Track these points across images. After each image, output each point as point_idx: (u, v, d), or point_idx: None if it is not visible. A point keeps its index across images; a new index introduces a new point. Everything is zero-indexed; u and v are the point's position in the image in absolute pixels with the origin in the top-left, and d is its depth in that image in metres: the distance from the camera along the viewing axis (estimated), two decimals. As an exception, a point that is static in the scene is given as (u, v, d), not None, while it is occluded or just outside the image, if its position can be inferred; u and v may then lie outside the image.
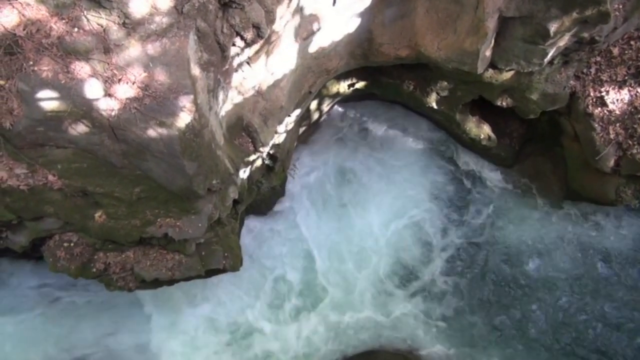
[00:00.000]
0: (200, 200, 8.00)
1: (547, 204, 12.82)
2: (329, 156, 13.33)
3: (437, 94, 11.93)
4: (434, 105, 12.20)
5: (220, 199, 8.65)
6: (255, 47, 7.95)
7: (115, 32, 6.15)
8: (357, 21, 9.88)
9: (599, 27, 9.55)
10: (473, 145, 13.03)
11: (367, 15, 9.83)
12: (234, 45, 7.46)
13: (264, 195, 12.02)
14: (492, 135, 12.83)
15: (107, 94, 6.41)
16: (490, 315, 12.06)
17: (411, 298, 12.18)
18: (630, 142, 10.61)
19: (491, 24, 9.11)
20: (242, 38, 7.35)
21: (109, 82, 6.35)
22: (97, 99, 6.43)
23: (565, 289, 12.17)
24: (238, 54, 7.79)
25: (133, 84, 6.40)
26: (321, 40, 9.61)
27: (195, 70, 6.77)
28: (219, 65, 7.43)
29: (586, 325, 11.90)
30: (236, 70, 8.24)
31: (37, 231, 8.38)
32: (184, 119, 6.68)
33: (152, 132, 6.70)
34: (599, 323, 11.87)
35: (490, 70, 10.43)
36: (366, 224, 12.60)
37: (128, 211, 7.97)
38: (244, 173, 9.84)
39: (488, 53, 9.90)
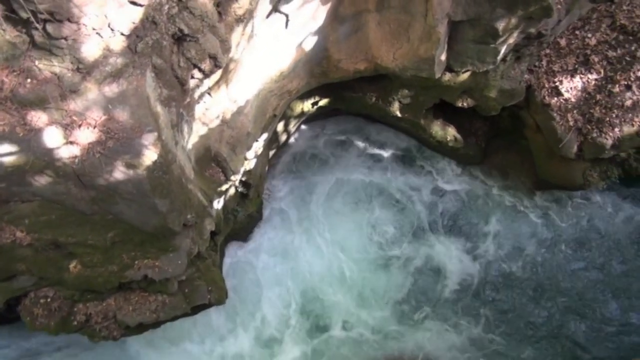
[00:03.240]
0: (177, 236, 7.87)
1: (518, 196, 13.06)
2: (302, 176, 13.34)
3: (400, 102, 12.12)
4: (398, 114, 12.39)
5: (197, 232, 8.53)
6: (215, 77, 7.95)
7: (70, 78, 6.06)
8: (312, 40, 10.00)
9: (544, 22, 9.91)
10: (441, 148, 13.25)
11: (322, 33, 9.98)
12: (192, 77, 7.45)
13: (242, 223, 11.91)
14: (458, 135, 13.08)
15: (68, 142, 6.29)
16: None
17: (400, 316, 12.16)
18: (589, 127, 10.96)
19: (442, 29, 9.36)
20: (200, 70, 7.35)
21: (69, 129, 6.23)
22: (58, 148, 6.30)
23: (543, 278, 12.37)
24: (198, 86, 7.78)
25: (94, 128, 6.30)
26: (279, 63, 9.69)
27: (157, 107, 6.72)
28: (180, 99, 7.40)
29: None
30: (198, 102, 8.21)
31: (11, 291, 8.08)
32: (150, 157, 6.59)
33: (119, 174, 6.59)
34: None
35: (448, 74, 10.68)
36: (343, 241, 12.55)
37: (104, 257, 7.78)
38: (218, 204, 9.75)
39: (443, 57, 10.15)
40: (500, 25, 9.35)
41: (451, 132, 13.02)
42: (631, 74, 10.62)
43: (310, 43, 9.98)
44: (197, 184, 8.48)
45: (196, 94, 7.96)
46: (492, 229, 12.74)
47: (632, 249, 12.34)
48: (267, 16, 8.28)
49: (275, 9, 8.27)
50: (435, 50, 9.58)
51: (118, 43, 6.20)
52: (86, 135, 6.30)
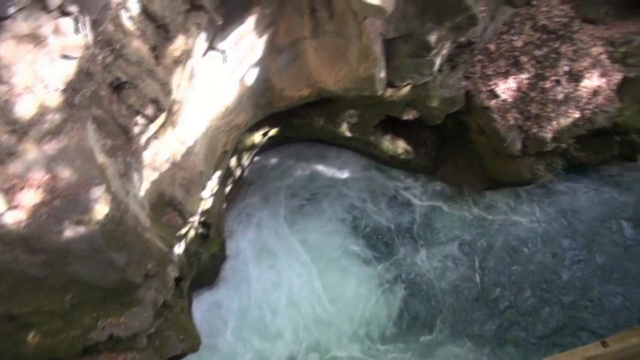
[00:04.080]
0: (140, 289, 7.57)
1: (471, 197, 13.39)
2: (261, 208, 13.22)
3: (348, 122, 12.33)
4: (348, 134, 12.58)
5: (161, 281, 8.24)
6: (159, 120, 7.83)
7: (6, 140, 5.81)
8: (254, 73, 10.08)
9: (472, 30, 10.43)
10: (393, 161, 13.50)
11: (262, 65, 10.07)
12: (136, 124, 7.31)
13: (206, 264, 11.61)
14: (408, 147, 13.38)
15: (12, 206, 5.98)
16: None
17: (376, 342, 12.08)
18: (529, 124, 11.47)
19: (377, 48, 9.65)
20: (143, 115, 7.23)
21: (10, 194, 5.94)
22: (1, 215, 5.98)
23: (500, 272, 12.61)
24: (143, 132, 7.63)
25: (38, 188, 6.03)
26: (223, 99, 9.68)
27: (102, 159, 6.53)
28: (126, 148, 7.22)
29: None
30: (145, 148, 8.04)
31: (-37, 375, 7.48)
32: (101, 211, 6.36)
33: (70, 233, 6.31)
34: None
35: (390, 89, 10.98)
36: (307, 272, 12.43)
37: (64, 322, 7.35)
38: (179, 248, 9.49)
39: (383, 74, 10.44)
40: (432, 38, 9.74)
41: (401, 145, 13.30)
42: (559, 69, 11.24)
43: (251, 76, 10.04)
44: (155, 231, 8.24)
45: (142, 140, 7.80)
46: (449, 234, 12.94)
47: (588, 230, 12.76)
48: (204, 54, 8.28)
49: (211, 47, 8.30)
50: (374, 68, 9.85)
51: (54, 99, 6.01)
52: (30, 198, 6.02)
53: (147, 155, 8.12)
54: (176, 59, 7.65)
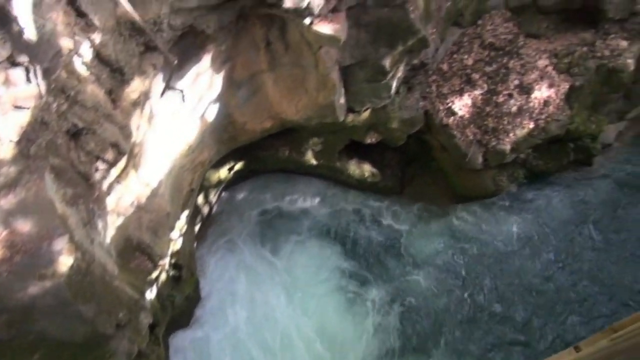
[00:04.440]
0: (112, 340, 7.26)
1: (441, 213, 13.58)
2: (233, 243, 13.02)
3: (312, 150, 12.42)
4: (313, 162, 12.65)
5: (134, 330, 7.93)
6: (120, 164, 7.68)
7: (-41, 199, 5.58)
8: (214, 109, 10.07)
9: (424, 52, 10.79)
10: (361, 185, 13.62)
11: (222, 100, 10.09)
12: (97, 170, 7.15)
13: (181, 307, 11.29)
14: (374, 170, 13.54)
15: (-32, 267, 5.70)
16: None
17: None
18: (487, 137, 11.82)
19: (334, 75, 9.84)
20: (103, 161, 7.08)
21: (-34, 254, 5.67)
22: (-43, 277, 5.68)
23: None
24: (105, 177, 7.46)
25: (-4, 245, 5.77)
26: (186, 137, 9.61)
27: (63, 209, 6.33)
28: (87, 195, 7.03)
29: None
30: (108, 193, 7.85)
31: None
32: (65, 263, 6.13)
33: (34, 289, 6.03)
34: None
35: (350, 115, 11.16)
36: (283, 305, 12.21)
37: (32, 385, 6.96)
38: (151, 293, 9.20)
39: (342, 101, 10.61)
40: (386, 62, 10.01)
41: (367, 169, 13.45)
42: (509, 83, 11.70)
43: (212, 112, 10.03)
44: (124, 278, 7.98)
45: (104, 186, 7.62)
46: (426, 252, 13.02)
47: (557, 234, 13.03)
48: (162, 94, 8.24)
49: (169, 87, 8.27)
50: (333, 96, 10.01)
51: (8, 151, 5.83)
52: (-12, 256, 5.75)
53: (110, 201, 7.93)
54: (134, 101, 7.58)
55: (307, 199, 13.67)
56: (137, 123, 7.80)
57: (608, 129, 13.01)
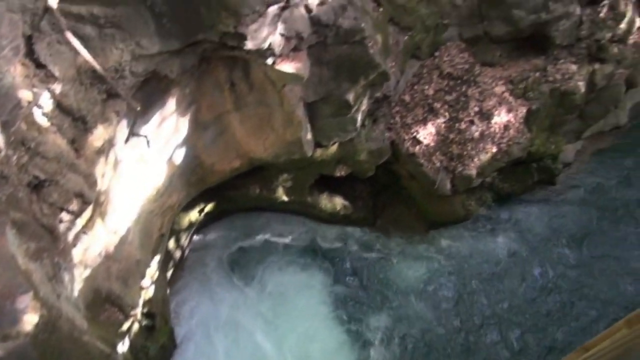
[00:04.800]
0: (83, 399, 6.92)
1: (415, 241, 13.68)
2: (208, 287, 12.72)
3: (283, 187, 12.42)
4: (285, 198, 12.64)
5: (106, 386, 7.59)
6: (86, 214, 7.50)
7: None
8: (181, 152, 10.02)
9: (385, 85, 11.07)
10: (334, 219, 13.63)
11: (189, 143, 10.06)
12: (61, 222, 6.95)
13: (156, 358, 10.87)
14: (346, 203, 13.60)
15: None
16: None
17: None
18: (453, 164, 12.07)
19: (300, 112, 9.97)
20: (68, 212, 6.90)
21: None
22: None
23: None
24: (70, 229, 7.26)
25: (-46, 308, 5.49)
26: (153, 182, 9.50)
27: (26, 264, 6.09)
28: (52, 248, 6.81)
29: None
30: (74, 245, 7.62)
31: None
32: (30, 321, 5.86)
33: (-4, 352, 5.73)
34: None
35: (318, 150, 11.26)
36: (264, 346, 11.91)
37: None
38: (123, 346, 8.85)
39: (309, 136, 10.72)
40: (350, 97, 10.22)
41: (339, 202, 13.51)
42: (470, 110, 12.07)
43: (179, 155, 9.98)
44: (94, 332, 7.66)
45: (70, 237, 7.40)
46: (400, 281, 12.99)
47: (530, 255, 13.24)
48: (127, 140, 8.17)
49: (134, 133, 8.22)
50: (300, 132, 10.12)
51: (-35, 208, 5.64)
52: (-55, 320, 5.46)
53: (77, 252, 7.69)
54: (98, 149, 7.48)
55: (280, 236, 13.57)
56: (102, 171, 7.68)
57: (567, 148, 13.52)
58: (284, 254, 13.34)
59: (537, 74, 12.19)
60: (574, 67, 12.12)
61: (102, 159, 7.63)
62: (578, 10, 11.68)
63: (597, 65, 12.31)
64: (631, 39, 12.60)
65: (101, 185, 7.66)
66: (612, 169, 14.15)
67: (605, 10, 12.02)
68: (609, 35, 12.11)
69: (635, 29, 12.62)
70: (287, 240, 13.52)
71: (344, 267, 13.19)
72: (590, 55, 12.28)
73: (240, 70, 9.52)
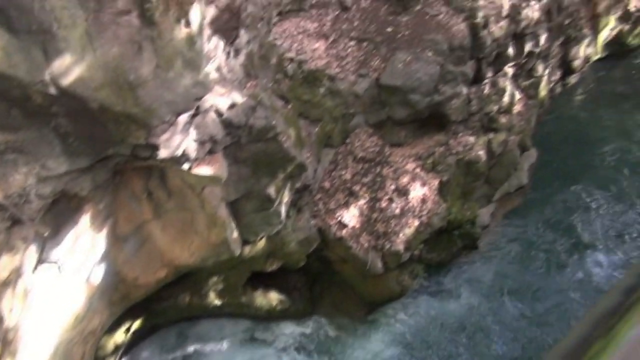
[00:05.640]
0: None
1: (355, 326, 13.46)
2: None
3: (214, 290, 11.98)
4: (218, 302, 12.15)
5: None
6: (-8, 356, 6.74)
7: None
8: (100, 270, 9.46)
9: (305, 175, 11.41)
10: (271, 315, 13.19)
11: (108, 259, 9.55)
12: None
13: None
14: (282, 297, 13.29)
15: None
16: None
17: None
18: (381, 242, 12.35)
19: (223, 212, 9.92)
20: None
21: None
22: None
23: None
24: (-28, 377, 6.44)
25: None
26: (71, 308, 8.79)
27: None
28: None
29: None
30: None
31: None
32: None
33: None
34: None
35: (246, 247, 11.12)
36: None
37: None
38: None
39: (235, 235, 10.61)
40: (271, 191, 10.38)
41: (275, 297, 13.17)
42: (387, 189, 12.64)
43: (98, 274, 9.41)
44: None
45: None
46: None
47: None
48: (37, 267, 7.62)
49: (44, 258, 7.70)
50: (225, 232, 10.00)
51: None
52: None
53: (-19, 404, 6.78)
54: (4, 280, 6.91)
55: (216, 343, 12.81)
56: (10, 305, 7.04)
57: (482, 212, 14.35)
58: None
59: (442, 148, 13.17)
60: (472, 139, 13.27)
61: (9, 291, 7.02)
62: (465, 90, 13.04)
63: (491, 135, 13.57)
64: (515, 109, 14.16)
65: (9, 321, 6.98)
66: (524, 225, 15.13)
67: (488, 87, 13.53)
68: (495, 108, 13.54)
69: (516, 100, 14.24)
70: (223, 346, 12.78)
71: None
72: (484, 127, 13.57)
73: (156, 178, 9.43)
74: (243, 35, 10.07)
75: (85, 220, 8.46)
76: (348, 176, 12.77)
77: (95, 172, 7.90)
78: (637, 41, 20.17)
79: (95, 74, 6.64)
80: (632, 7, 19.02)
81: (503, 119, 13.64)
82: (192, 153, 8.68)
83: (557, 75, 17.83)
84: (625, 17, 19.13)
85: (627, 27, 19.46)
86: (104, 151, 7.64)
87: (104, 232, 9.21)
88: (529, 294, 13.48)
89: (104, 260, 9.47)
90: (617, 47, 19.89)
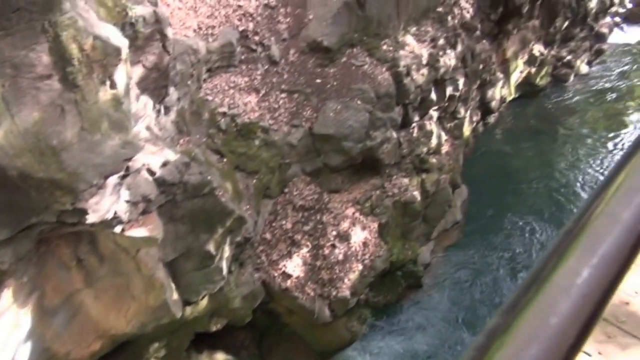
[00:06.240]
0: None
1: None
2: None
3: (155, 358, 11.28)
4: (160, 371, 11.43)
5: None
6: None
7: None
8: (26, 349, 8.71)
9: (245, 228, 11.26)
10: (219, 378, 12.59)
11: (35, 335, 8.82)
12: None
13: None
14: (230, 357, 12.75)
15: None
16: None
17: None
18: (326, 289, 12.29)
19: (161, 273, 9.54)
20: None
21: None
22: None
23: None
24: None
25: None
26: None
27: None
28: None
29: None
30: None
31: None
32: None
33: None
34: None
35: (188, 308, 10.68)
36: None
37: None
38: None
39: (175, 296, 10.18)
40: (210, 247, 10.14)
41: (221, 358, 12.61)
42: (329, 235, 12.72)
43: (24, 353, 8.64)
44: None
45: None
46: None
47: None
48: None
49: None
50: (164, 295, 9.58)
51: None
52: None
53: None
54: None
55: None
56: None
57: (422, 251, 14.71)
58: None
59: (378, 192, 13.53)
60: (406, 180, 13.75)
61: None
62: (395, 134, 13.61)
63: (424, 175, 14.14)
64: (443, 149, 14.90)
65: None
66: (465, 256, 15.66)
67: (416, 130, 14.20)
68: (425, 149, 14.19)
69: (443, 141, 15.01)
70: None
71: None
72: (416, 168, 14.13)
73: (86, 243, 8.98)
74: (173, 93, 10.08)
75: (7, 295, 7.84)
76: (289, 225, 12.75)
77: (17, 243, 7.41)
78: (544, 81, 22.17)
79: (13, 141, 6.36)
80: (536, 52, 20.94)
81: (433, 160, 14.28)
82: (124, 215, 8.38)
83: (478, 115, 19.09)
84: (531, 60, 21.04)
85: (533, 69, 21.36)
86: (26, 220, 7.22)
87: (28, 307, 8.54)
88: (481, 318, 13.79)
89: (30, 338, 8.73)
90: (527, 88, 21.74)
